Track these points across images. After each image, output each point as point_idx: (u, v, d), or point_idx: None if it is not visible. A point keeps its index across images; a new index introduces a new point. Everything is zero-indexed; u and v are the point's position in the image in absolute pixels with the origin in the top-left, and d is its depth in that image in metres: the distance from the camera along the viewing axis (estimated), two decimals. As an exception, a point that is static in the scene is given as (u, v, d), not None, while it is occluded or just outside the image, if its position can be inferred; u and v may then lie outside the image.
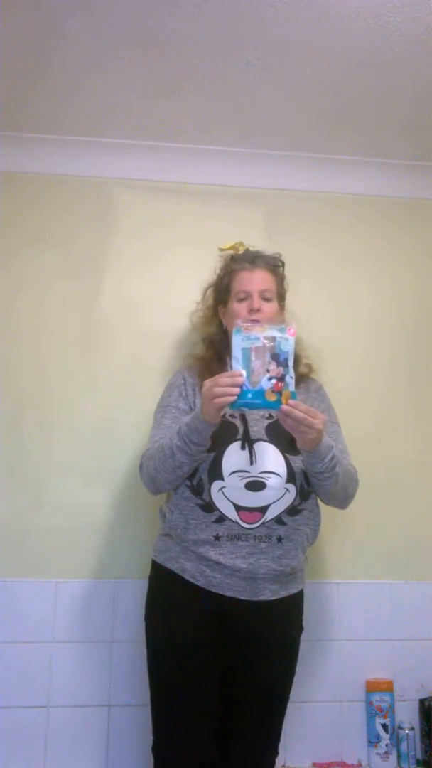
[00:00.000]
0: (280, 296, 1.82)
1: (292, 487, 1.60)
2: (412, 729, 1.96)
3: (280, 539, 1.57)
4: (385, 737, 1.94)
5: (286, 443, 1.61)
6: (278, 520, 1.58)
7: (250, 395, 1.43)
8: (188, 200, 2.25)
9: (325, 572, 2.05)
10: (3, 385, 2.08)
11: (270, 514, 1.58)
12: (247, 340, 1.47)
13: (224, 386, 1.44)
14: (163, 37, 1.76)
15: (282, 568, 1.57)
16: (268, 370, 1.44)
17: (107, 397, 2.09)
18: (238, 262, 1.83)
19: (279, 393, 1.43)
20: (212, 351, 1.83)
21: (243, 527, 1.56)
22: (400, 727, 1.96)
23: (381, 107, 2.03)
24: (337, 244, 2.29)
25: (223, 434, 1.59)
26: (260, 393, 1.43)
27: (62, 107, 2.05)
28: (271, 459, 1.60)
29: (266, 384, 1.43)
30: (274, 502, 1.58)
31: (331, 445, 1.57)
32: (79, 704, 1.91)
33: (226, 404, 1.44)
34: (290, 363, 1.46)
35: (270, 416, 1.64)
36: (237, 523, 1.56)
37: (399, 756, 1.95)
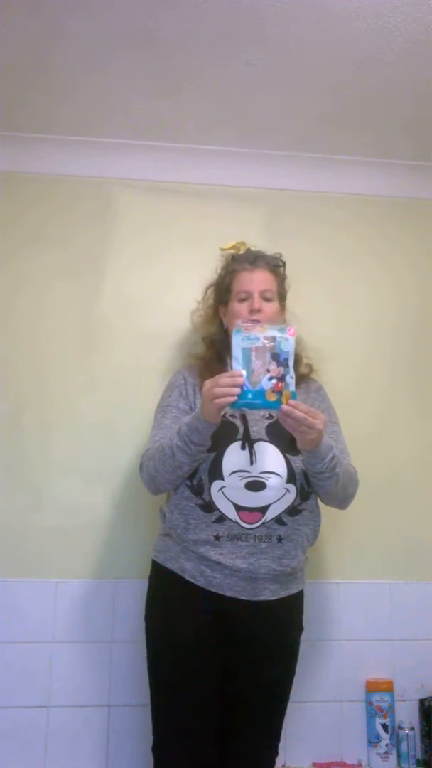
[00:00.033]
0: (281, 296, 1.82)
1: (292, 488, 1.60)
2: (412, 729, 1.96)
3: (280, 539, 1.57)
4: (385, 737, 1.94)
5: (287, 443, 1.61)
6: (278, 520, 1.58)
7: (250, 395, 1.43)
8: (188, 200, 2.25)
9: (325, 572, 2.05)
10: (3, 385, 2.08)
11: (270, 514, 1.58)
12: (247, 340, 1.47)
13: (225, 386, 1.44)
14: (163, 37, 1.76)
15: (282, 568, 1.57)
16: (268, 370, 1.44)
17: (107, 397, 2.09)
18: (239, 262, 1.83)
19: (279, 393, 1.43)
20: (213, 351, 1.84)
21: (243, 527, 1.56)
22: (400, 727, 1.96)
23: (381, 107, 2.03)
24: (337, 244, 2.29)
25: (223, 434, 1.59)
26: (260, 393, 1.43)
27: (62, 107, 2.05)
28: (271, 459, 1.60)
29: (266, 384, 1.43)
30: (274, 502, 1.58)
31: (332, 445, 1.57)
32: (79, 704, 1.91)
33: (226, 404, 1.44)
34: (290, 363, 1.46)
35: (270, 416, 1.64)
36: (237, 523, 1.56)
37: (399, 756, 1.95)
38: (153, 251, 2.20)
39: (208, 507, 1.58)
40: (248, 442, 1.61)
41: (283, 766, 1.90)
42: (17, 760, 1.86)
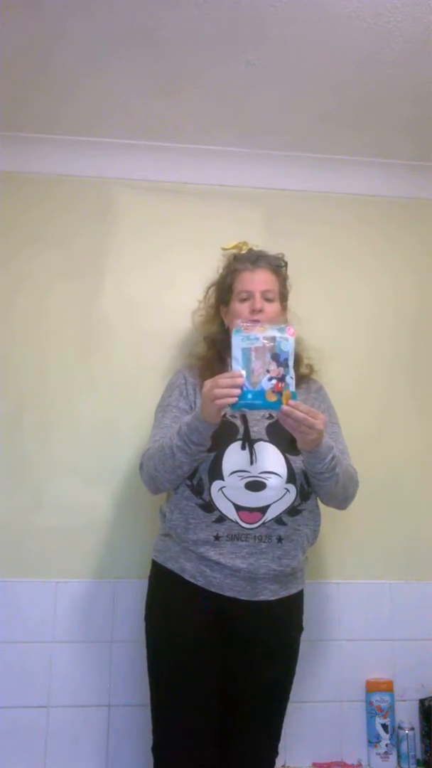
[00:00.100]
0: (283, 297, 1.82)
1: (292, 488, 1.60)
2: (412, 729, 1.96)
3: (280, 539, 1.57)
4: (385, 737, 1.94)
5: (287, 443, 1.60)
6: (278, 520, 1.58)
7: (250, 396, 1.43)
8: (188, 200, 2.25)
9: (325, 572, 2.05)
10: (3, 385, 2.08)
11: (270, 515, 1.58)
12: (246, 340, 1.47)
13: (224, 387, 1.43)
14: (163, 37, 1.76)
15: (282, 569, 1.57)
16: (268, 371, 1.44)
17: (107, 397, 2.09)
18: (240, 261, 1.82)
19: (279, 393, 1.43)
20: (213, 350, 1.83)
21: (243, 527, 1.56)
22: (400, 727, 1.96)
23: (381, 107, 2.03)
24: (337, 244, 2.29)
25: (223, 434, 1.59)
26: (261, 393, 1.43)
27: (62, 107, 2.05)
28: (271, 459, 1.60)
29: (266, 384, 1.43)
30: (274, 503, 1.58)
31: (332, 445, 1.57)
32: (79, 704, 1.91)
33: (226, 405, 1.44)
34: (290, 363, 1.46)
35: (270, 416, 1.64)
36: (237, 523, 1.56)
37: (399, 756, 1.95)
38: (153, 251, 2.20)
39: (208, 507, 1.58)
40: (248, 442, 1.61)
41: (283, 766, 1.90)
42: (17, 760, 1.86)
